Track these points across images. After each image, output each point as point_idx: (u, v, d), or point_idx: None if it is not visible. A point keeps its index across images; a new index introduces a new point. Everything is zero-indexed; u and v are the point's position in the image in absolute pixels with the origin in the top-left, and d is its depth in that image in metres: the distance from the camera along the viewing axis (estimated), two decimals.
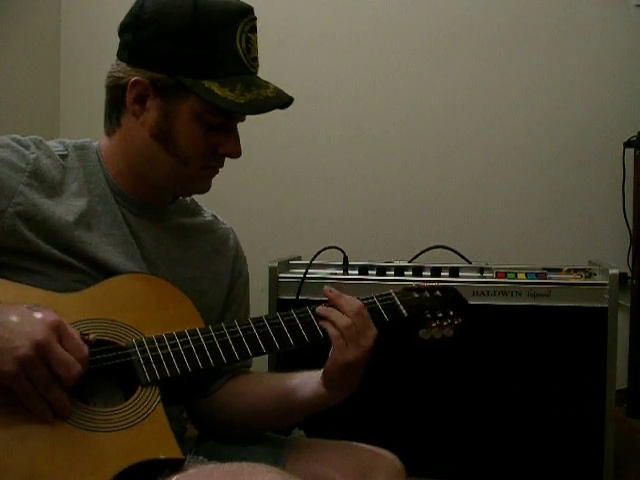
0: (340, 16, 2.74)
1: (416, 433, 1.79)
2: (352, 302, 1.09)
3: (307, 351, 1.08)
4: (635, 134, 2.41)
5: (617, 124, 2.54)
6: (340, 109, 2.74)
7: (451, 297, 1.22)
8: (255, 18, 1.11)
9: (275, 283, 1.86)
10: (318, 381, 1.11)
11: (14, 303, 0.93)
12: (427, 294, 1.20)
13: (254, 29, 1.11)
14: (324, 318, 1.08)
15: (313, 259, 1.87)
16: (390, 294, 1.17)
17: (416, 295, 1.19)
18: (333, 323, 1.06)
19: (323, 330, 1.08)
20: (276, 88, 1.11)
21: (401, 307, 1.16)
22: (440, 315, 1.18)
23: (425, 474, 1.71)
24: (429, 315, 1.17)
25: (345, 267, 1.92)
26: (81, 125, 2.82)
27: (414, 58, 2.71)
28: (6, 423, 0.88)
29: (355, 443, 1.16)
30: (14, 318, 0.89)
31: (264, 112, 1.09)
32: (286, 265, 1.95)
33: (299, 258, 2.06)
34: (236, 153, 1.13)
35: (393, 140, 2.72)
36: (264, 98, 1.08)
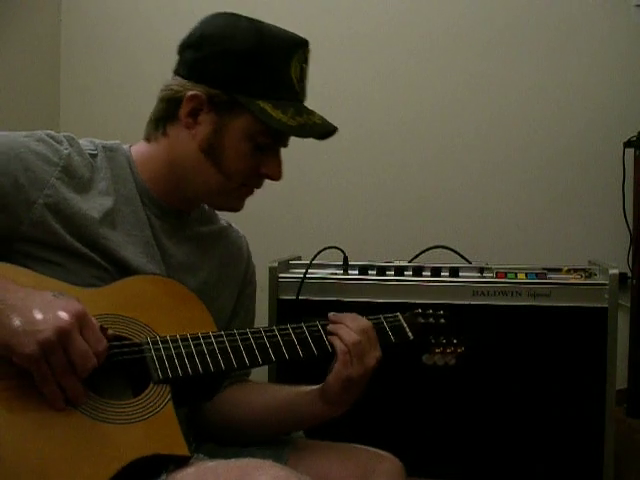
0: (339, 16, 2.74)
1: (416, 433, 1.79)
2: (360, 320, 1.13)
3: (308, 363, 1.09)
4: (635, 134, 2.41)
5: (617, 124, 2.53)
6: (340, 109, 2.72)
7: (455, 325, 1.26)
8: (309, 50, 1.20)
9: (275, 283, 1.86)
10: (316, 395, 1.13)
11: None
12: (432, 320, 1.24)
13: (307, 60, 1.20)
14: (333, 333, 1.12)
15: (313, 259, 1.87)
16: (397, 316, 1.22)
17: (422, 320, 1.24)
18: (341, 338, 1.10)
19: (331, 345, 1.11)
20: (322, 117, 1.17)
21: (407, 330, 1.20)
22: (444, 342, 1.22)
23: (425, 474, 1.71)
24: (433, 340, 1.22)
25: (345, 267, 1.92)
26: (81, 125, 2.82)
27: (413, 58, 2.71)
28: (20, 410, 0.89)
29: (355, 445, 1.17)
30: (40, 303, 0.91)
31: (312, 137, 1.15)
32: (286, 265, 1.95)
33: (299, 258, 2.06)
34: (277, 176, 1.18)
35: (393, 140, 2.72)
36: (313, 124, 1.14)
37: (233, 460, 0.94)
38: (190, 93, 1.12)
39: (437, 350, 1.21)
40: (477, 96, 2.67)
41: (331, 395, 1.11)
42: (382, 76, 2.72)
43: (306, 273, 1.84)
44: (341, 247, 1.91)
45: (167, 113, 1.16)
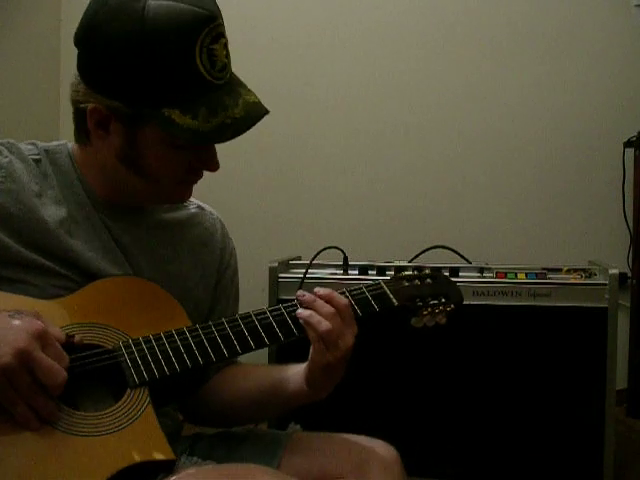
0: (340, 16, 2.74)
1: (416, 433, 1.78)
2: (333, 300, 1.06)
3: (307, 344, 1.08)
4: (635, 134, 2.41)
5: (617, 124, 2.53)
6: (339, 109, 2.74)
7: (443, 284, 1.20)
8: (218, 24, 0.99)
9: (275, 283, 1.85)
10: (301, 378, 1.10)
11: None
12: (418, 282, 1.18)
13: (218, 36, 0.99)
14: (305, 321, 1.05)
15: (313, 259, 1.87)
16: (379, 283, 1.15)
17: (406, 283, 1.17)
18: (313, 327, 1.04)
19: (300, 328, 1.06)
20: (246, 103, 1.01)
21: (391, 296, 1.14)
22: (432, 302, 1.16)
23: (425, 474, 1.71)
24: (420, 303, 1.15)
25: (345, 267, 1.92)
26: None
27: (414, 59, 2.71)
28: None
29: (350, 435, 1.15)
30: None
31: (232, 138, 1.00)
32: (286, 265, 1.94)
33: (299, 258, 2.05)
34: (213, 167, 1.07)
35: (393, 140, 2.72)
36: (232, 121, 0.99)
37: (224, 465, 0.93)
38: (90, 107, 1.00)
39: (425, 312, 1.15)
40: (477, 96, 2.67)
41: (314, 380, 1.07)
42: (381, 77, 2.72)
43: (306, 273, 1.83)
44: (341, 247, 1.91)
45: (79, 122, 1.06)
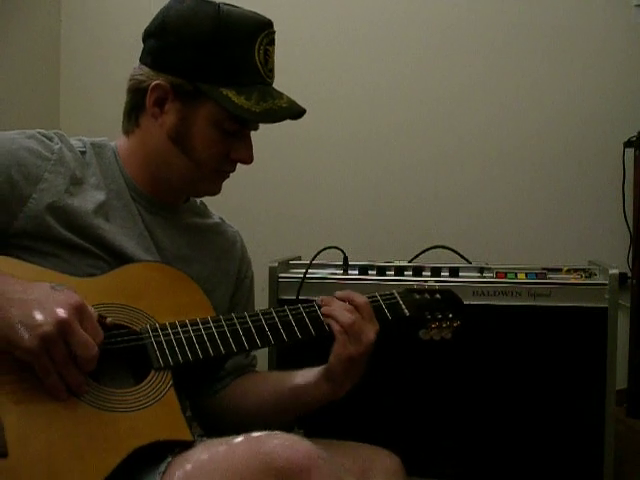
0: (340, 17, 2.74)
1: (416, 433, 1.78)
2: (356, 299, 1.14)
3: (307, 348, 1.10)
4: (635, 134, 2.41)
5: (617, 124, 2.53)
6: (340, 109, 2.74)
7: (450, 300, 1.27)
8: (274, 31, 1.18)
9: (275, 283, 1.85)
10: (320, 376, 1.15)
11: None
12: (427, 296, 1.25)
13: (272, 42, 1.18)
14: (328, 315, 1.12)
15: (313, 259, 1.87)
16: (393, 293, 1.22)
17: (417, 296, 1.25)
18: (336, 319, 1.11)
19: (328, 324, 1.12)
20: (289, 99, 1.17)
21: (403, 306, 1.21)
22: (439, 317, 1.23)
23: (424, 473, 1.71)
24: (429, 316, 1.23)
25: (345, 267, 1.91)
26: (81, 125, 2.82)
27: (414, 57, 2.71)
28: (26, 403, 0.90)
29: (354, 442, 1.17)
30: (38, 296, 0.92)
31: (278, 121, 1.16)
32: (286, 265, 1.94)
33: (299, 258, 2.06)
34: (248, 159, 1.19)
35: (393, 140, 2.72)
36: (278, 108, 1.14)
37: (235, 437, 0.95)
38: (154, 83, 1.14)
39: (433, 325, 1.22)
40: (477, 96, 2.67)
41: (335, 375, 1.12)
42: (382, 76, 2.72)
43: (306, 273, 1.83)
44: (341, 247, 1.91)
45: (136, 104, 1.18)
